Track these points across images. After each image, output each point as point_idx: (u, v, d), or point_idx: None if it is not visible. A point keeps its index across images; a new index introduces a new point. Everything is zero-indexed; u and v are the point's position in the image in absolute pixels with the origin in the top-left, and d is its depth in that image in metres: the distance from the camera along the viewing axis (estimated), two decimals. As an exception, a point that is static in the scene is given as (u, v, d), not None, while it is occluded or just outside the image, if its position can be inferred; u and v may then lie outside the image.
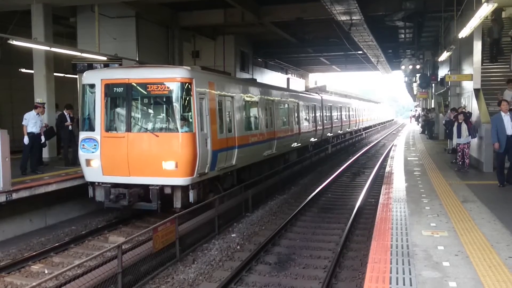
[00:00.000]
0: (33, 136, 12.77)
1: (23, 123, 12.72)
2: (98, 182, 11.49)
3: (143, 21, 20.25)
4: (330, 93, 39.51)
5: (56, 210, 12.61)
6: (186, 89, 11.10)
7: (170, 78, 11.22)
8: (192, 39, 25.18)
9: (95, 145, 11.39)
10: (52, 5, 16.51)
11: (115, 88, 11.51)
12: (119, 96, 11.60)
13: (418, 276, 5.33)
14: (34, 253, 9.92)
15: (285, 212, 13.96)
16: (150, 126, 11.40)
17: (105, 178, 11.40)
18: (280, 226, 11.60)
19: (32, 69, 16.67)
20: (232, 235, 11.52)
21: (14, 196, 10.66)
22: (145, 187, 11.24)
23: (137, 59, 19.03)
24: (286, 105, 20.09)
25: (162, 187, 11.11)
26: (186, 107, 11.11)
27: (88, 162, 11.46)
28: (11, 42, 12.92)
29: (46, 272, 9.05)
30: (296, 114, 21.34)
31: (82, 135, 11.67)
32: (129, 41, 19.60)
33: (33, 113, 12.84)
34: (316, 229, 12.00)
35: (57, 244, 10.57)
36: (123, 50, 18.45)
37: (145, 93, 11.39)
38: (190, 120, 11.06)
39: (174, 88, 11.15)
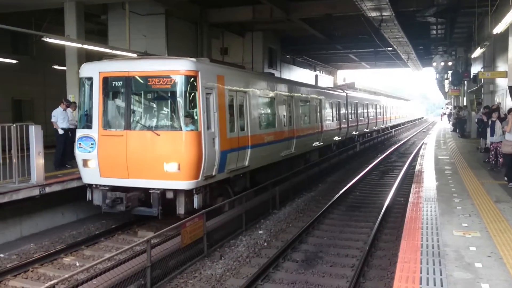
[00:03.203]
0: (64, 132, 13.02)
1: (52, 120, 12.95)
2: (96, 185, 10.68)
3: (172, 18, 20.43)
4: (358, 90, 39.07)
5: (86, 204, 12.85)
6: (190, 83, 10.10)
7: (173, 70, 10.21)
8: (220, 35, 25.26)
9: (92, 144, 10.51)
10: (84, 3, 16.80)
11: (113, 82, 10.63)
12: (118, 91, 10.69)
13: (449, 277, 5.22)
14: (66, 246, 10.17)
15: (312, 209, 13.88)
16: (150, 123, 10.52)
17: (103, 180, 10.53)
18: (307, 224, 11.54)
19: (64, 66, 17.03)
20: (259, 232, 11.53)
21: (47, 190, 10.91)
22: (146, 191, 10.38)
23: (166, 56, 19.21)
24: (307, 101, 18.98)
25: (163, 191, 10.24)
26: (190, 103, 10.14)
27: (85, 162, 10.61)
28: (45, 39, 13.23)
29: (77, 264, 9.26)
30: (318, 111, 20.22)
31: (79, 133, 10.81)
32: (158, 38, 19.80)
33: (60, 109, 13.07)
34: (343, 227, 11.90)
35: (88, 237, 10.81)
36: (152, 47, 18.67)
37: (146, 87, 10.49)
38: (195, 117, 10.09)
39: (177, 81, 10.11)
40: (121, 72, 10.49)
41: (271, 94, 14.90)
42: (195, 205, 10.31)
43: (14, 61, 19.83)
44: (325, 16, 22.41)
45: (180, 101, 10.10)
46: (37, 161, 10.76)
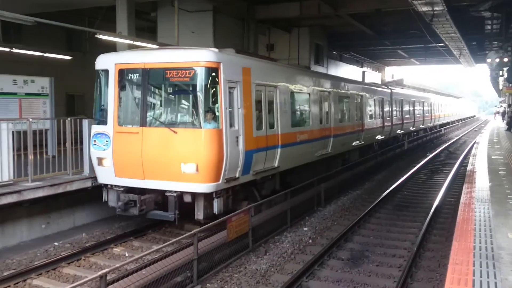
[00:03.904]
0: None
1: None
2: (111, 185, 10.10)
3: (220, 15, 20.58)
4: (406, 86, 38.06)
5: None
6: (211, 76, 9.31)
7: (192, 62, 9.41)
8: (267, 32, 25.24)
9: (107, 141, 9.92)
10: (135, 1, 17.20)
11: (130, 74, 9.96)
12: (134, 84, 10.00)
13: (504, 281, 5.02)
14: (115, 236, 10.49)
15: (358, 208, 13.69)
16: (168, 120, 9.74)
17: (118, 181, 9.94)
18: (353, 222, 11.40)
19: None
20: (304, 229, 11.49)
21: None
22: (163, 193, 9.74)
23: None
24: (347, 98, 17.89)
25: (181, 194, 9.55)
26: (211, 98, 9.38)
27: (99, 161, 10.07)
28: (98, 36, 13.65)
29: (126, 255, 9.55)
30: (359, 109, 19.12)
31: (94, 129, 10.25)
32: (206, 34, 20.00)
33: None
34: (390, 227, 11.68)
35: (136, 229, 11.09)
36: (200, 43, 18.87)
37: (163, 80, 9.78)
38: (217, 114, 9.33)
39: (197, 74, 9.31)
40: (137, 63, 9.83)
41: (306, 89, 13.96)
42: (215, 210, 9.65)
43: (69, 58, 20.58)
44: (375, 11, 21.95)
45: (199, 95, 9.36)
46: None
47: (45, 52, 17.86)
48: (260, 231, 10.36)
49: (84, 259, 9.22)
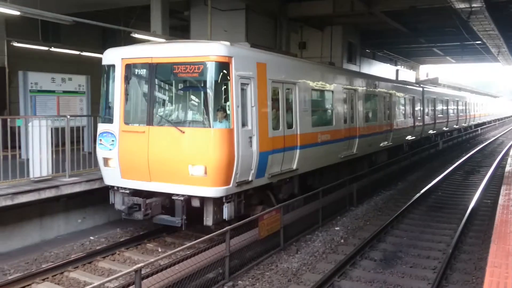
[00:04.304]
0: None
1: None
2: (117, 187, 9.58)
3: (252, 13, 20.63)
4: (442, 85, 37.22)
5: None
6: (222, 72, 8.72)
7: (201, 56, 8.78)
8: (299, 30, 25.15)
9: (113, 140, 9.40)
10: (169, 0, 17.42)
11: (136, 70, 9.44)
12: (141, 80, 9.43)
13: (546, 286, 4.86)
14: (148, 232, 10.66)
15: (391, 208, 13.50)
16: (175, 119, 9.19)
17: (124, 182, 9.40)
18: (386, 222, 11.25)
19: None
20: (336, 228, 11.41)
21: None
22: (170, 196, 9.13)
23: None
24: (374, 96, 17.01)
25: (189, 198, 8.94)
26: (221, 95, 8.80)
27: (105, 161, 9.56)
28: (132, 35, 13.91)
29: (159, 250, 9.70)
30: (387, 107, 18.20)
31: (100, 127, 9.72)
32: (238, 33, 20.07)
33: None
34: (424, 228, 11.47)
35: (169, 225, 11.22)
36: (232, 41, 18.95)
37: (171, 76, 9.21)
38: (227, 112, 8.72)
39: (206, 69, 8.69)
40: (144, 58, 9.26)
41: (328, 86, 13.09)
42: (225, 215, 9.01)
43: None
44: (409, 9, 21.54)
45: (209, 92, 8.69)
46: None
47: (81, 51, 18.32)
48: (291, 229, 10.33)
49: (118, 254, 9.41)
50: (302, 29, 25.26)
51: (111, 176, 9.59)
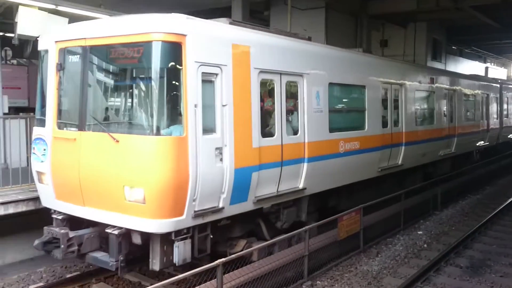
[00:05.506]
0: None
1: None
2: (54, 209, 7.39)
3: (332, 12, 20.44)
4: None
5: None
6: (170, 56, 6.28)
7: (141, 34, 6.33)
8: (381, 27, 24.55)
9: (44, 149, 7.25)
10: (250, 0, 17.73)
11: (70, 56, 7.10)
12: (75, 69, 7.05)
13: None
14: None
15: (478, 213, 12.81)
16: (108, 121, 6.95)
17: (58, 205, 7.24)
18: (473, 228, 10.71)
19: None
20: (419, 232, 11.03)
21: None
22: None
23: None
24: (425, 92, 13.55)
25: (128, 232, 6.55)
26: (170, 89, 6.36)
27: (39, 176, 7.44)
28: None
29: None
30: (447, 107, 14.88)
31: (34, 132, 7.63)
32: (318, 31, 19.94)
33: None
34: (517, 236, 10.76)
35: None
36: (312, 40, 18.92)
37: (106, 62, 6.97)
38: (179, 113, 6.31)
39: (148, 52, 6.29)
40: (77, 40, 6.93)
41: (352, 79, 10.08)
42: (176, 258, 6.43)
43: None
44: (501, 2, 20.25)
45: (152, 85, 6.31)
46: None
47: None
48: (371, 232, 10.11)
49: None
50: (383, 27, 24.63)
51: (46, 195, 7.48)
